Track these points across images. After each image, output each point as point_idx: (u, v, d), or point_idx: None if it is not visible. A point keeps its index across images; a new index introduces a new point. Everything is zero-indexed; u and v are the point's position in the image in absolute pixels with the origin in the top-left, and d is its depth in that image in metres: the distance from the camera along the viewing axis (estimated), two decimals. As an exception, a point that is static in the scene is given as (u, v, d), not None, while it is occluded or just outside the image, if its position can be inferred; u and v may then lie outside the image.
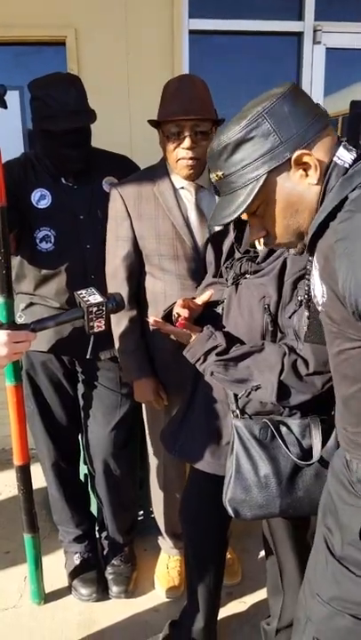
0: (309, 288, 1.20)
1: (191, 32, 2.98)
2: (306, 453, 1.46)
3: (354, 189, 1.01)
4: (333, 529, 1.23)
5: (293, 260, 1.43)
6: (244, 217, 1.17)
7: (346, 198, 1.01)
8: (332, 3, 3.13)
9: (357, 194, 1.00)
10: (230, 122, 1.11)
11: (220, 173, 1.14)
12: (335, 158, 1.06)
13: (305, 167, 1.06)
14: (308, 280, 1.19)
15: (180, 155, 1.81)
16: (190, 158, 1.81)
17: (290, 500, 1.47)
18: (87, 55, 2.86)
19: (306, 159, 1.05)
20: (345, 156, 1.07)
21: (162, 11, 2.86)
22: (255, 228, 1.18)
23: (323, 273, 1.05)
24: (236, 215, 1.12)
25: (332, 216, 1.03)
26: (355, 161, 1.06)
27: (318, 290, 1.09)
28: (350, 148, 1.09)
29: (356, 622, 1.15)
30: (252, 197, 1.09)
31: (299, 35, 3.15)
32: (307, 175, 1.07)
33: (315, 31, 3.11)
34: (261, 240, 1.22)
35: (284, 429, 1.48)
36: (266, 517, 1.59)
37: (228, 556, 2.34)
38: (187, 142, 1.78)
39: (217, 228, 1.72)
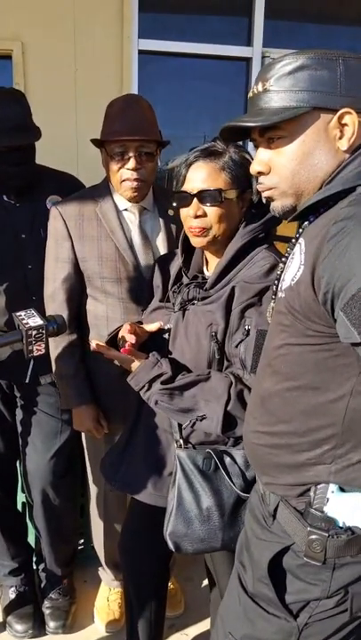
0: (281, 273, 1.15)
1: (141, 52, 2.98)
2: (249, 485, 1.43)
3: None
4: (247, 565, 1.23)
5: (242, 289, 1.41)
6: (262, 147, 1.10)
7: (353, 189, 1.00)
8: (280, 30, 3.20)
9: None
10: (305, 49, 1.06)
11: (267, 85, 1.06)
12: None
13: (342, 130, 1.03)
14: (284, 263, 1.14)
15: (125, 176, 1.77)
16: (135, 179, 1.76)
17: (232, 534, 1.44)
18: (34, 70, 2.80)
19: (349, 120, 1.02)
20: None
21: (111, 29, 2.86)
22: (261, 161, 1.11)
23: (308, 252, 1.01)
24: (265, 123, 1.05)
25: (334, 199, 1.02)
26: None
27: (291, 273, 1.05)
28: None
29: None
30: (289, 117, 1.03)
31: (248, 60, 3.19)
32: (340, 138, 1.04)
33: (263, 57, 3.17)
34: (260, 179, 1.14)
35: (228, 460, 1.45)
36: (207, 551, 1.55)
37: (171, 585, 2.29)
38: (131, 163, 1.74)
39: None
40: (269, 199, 1.15)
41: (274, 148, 1.09)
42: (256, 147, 1.14)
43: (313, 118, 1.04)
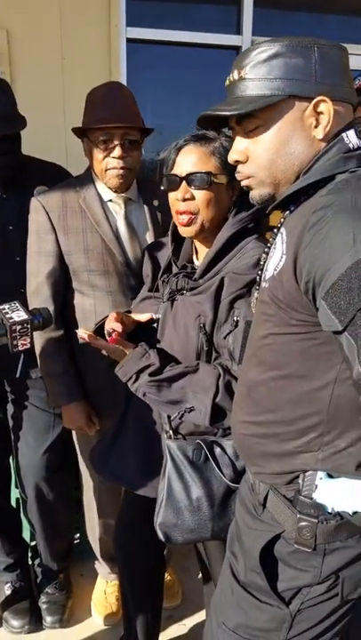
0: (264, 263, 1.14)
1: (129, 40, 2.95)
2: (239, 475, 1.42)
3: (344, 172, 1.00)
4: (238, 555, 1.23)
5: (231, 280, 1.39)
6: (239, 136, 1.10)
7: (333, 177, 1.00)
8: (270, 18, 3.18)
9: (346, 176, 0.99)
10: (281, 37, 1.05)
11: (242, 73, 1.05)
12: (344, 134, 1.04)
13: (318, 118, 1.03)
14: (267, 254, 1.14)
15: (110, 164, 1.74)
16: (121, 168, 1.73)
17: (222, 524, 1.43)
18: (20, 58, 2.76)
19: (324, 108, 1.02)
20: (353, 138, 1.04)
21: (98, 18, 2.82)
22: (238, 150, 1.11)
23: (289, 242, 1.00)
24: (236, 112, 1.04)
25: (313, 187, 1.01)
26: (358, 148, 1.04)
27: (273, 263, 1.05)
28: (359, 136, 1.06)
29: None
30: (262, 105, 1.02)
31: (237, 49, 3.16)
32: (315, 127, 1.03)
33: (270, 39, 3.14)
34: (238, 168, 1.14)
35: (217, 450, 1.44)
36: (197, 541, 1.55)
37: (168, 577, 2.29)
38: (117, 151, 1.71)
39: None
40: (248, 188, 1.14)
41: (251, 136, 1.08)
42: (233, 135, 1.14)
43: (288, 106, 1.03)
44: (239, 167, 1.13)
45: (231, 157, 1.13)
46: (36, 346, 1.89)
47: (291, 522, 1.10)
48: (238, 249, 1.44)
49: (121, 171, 1.74)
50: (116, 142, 1.71)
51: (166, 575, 2.25)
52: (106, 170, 1.75)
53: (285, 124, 1.04)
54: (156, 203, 1.89)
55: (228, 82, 1.10)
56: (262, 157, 1.08)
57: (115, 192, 1.82)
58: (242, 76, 1.06)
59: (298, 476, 1.10)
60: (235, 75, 1.07)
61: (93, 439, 1.96)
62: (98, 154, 1.74)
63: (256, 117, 1.05)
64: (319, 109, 1.02)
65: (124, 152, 1.72)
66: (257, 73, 1.04)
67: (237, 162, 1.12)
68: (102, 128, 1.69)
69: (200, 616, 2.21)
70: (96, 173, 1.81)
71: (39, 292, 1.84)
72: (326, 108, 1.01)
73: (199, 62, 3.18)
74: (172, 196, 1.45)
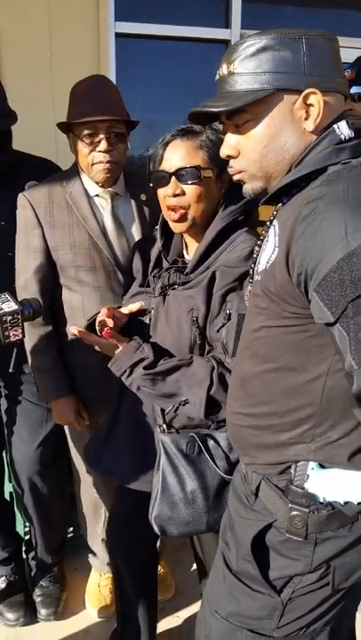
0: (257, 256, 1.15)
1: (118, 35, 2.94)
2: (233, 467, 1.43)
3: (336, 163, 1.00)
4: (231, 544, 1.25)
5: (223, 273, 1.40)
6: (230, 131, 1.10)
7: (325, 169, 1.00)
8: (258, 12, 3.18)
9: (338, 168, 0.99)
10: (269, 30, 1.04)
11: (231, 67, 1.05)
12: (335, 126, 1.04)
13: (308, 110, 1.02)
14: (259, 246, 1.15)
15: (97, 159, 1.73)
16: (107, 162, 1.73)
17: (217, 516, 1.45)
18: (9, 54, 2.75)
19: (313, 100, 1.01)
20: (344, 129, 1.05)
21: (87, 12, 2.81)
22: (230, 145, 1.11)
23: (281, 234, 1.01)
24: (224, 109, 1.05)
25: (305, 180, 1.02)
26: (350, 139, 1.05)
27: (266, 256, 1.06)
28: (350, 127, 1.07)
29: (254, 637, 1.17)
30: (250, 101, 1.02)
31: (226, 42, 3.16)
32: (306, 119, 1.03)
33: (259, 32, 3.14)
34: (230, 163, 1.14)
35: (211, 443, 1.46)
36: (193, 534, 1.57)
37: (161, 569, 2.31)
38: (103, 145, 1.70)
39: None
40: (240, 182, 1.15)
41: (241, 131, 1.08)
42: (225, 130, 1.14)
43: (277, 100, 1.03)
44: (231, 162, 1.13)
45: (223, 152, 1.14)
46: (25, 342, 1.89)
47: (283, 511, 1.11)
48: (229, 242, 1.45)
49: (107, 165, 1.73)
50: (102, 136, 1.70)
51: (159, 568, 2.27)
52: (92, 164, 1.74)
53: (275, 117, 1.04)
54: (143, 197, 1.89)
55: (217, 76, 1.10)
56: (253, 152, 1.08)
57: (101, 187, 1.82)
58: (231, 71, 1.05)
59: (290, 467, 1.11)
60: (224, 69, 1.07)
61: (86, 434, 1.99)
62: (83, 148, 1.73)
63: (246, 112, 1.05)
64: (309, 101, 1.02)
65: (110, 146, 1.71)
66: (246, 67, 1.03)
67: (229, 156, 1.13)
68: (87, 122, 1.68)
69: (194, 608, 2.24)
70: (82, 168, 1.81)
71: (27, 288, 1.84)
72: (316, 99, 1.01)
73: (188, 56, 3.18)
74: (161, 191, 1.45)
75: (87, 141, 1.71)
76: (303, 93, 1.01)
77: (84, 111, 1.69)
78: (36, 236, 1.82)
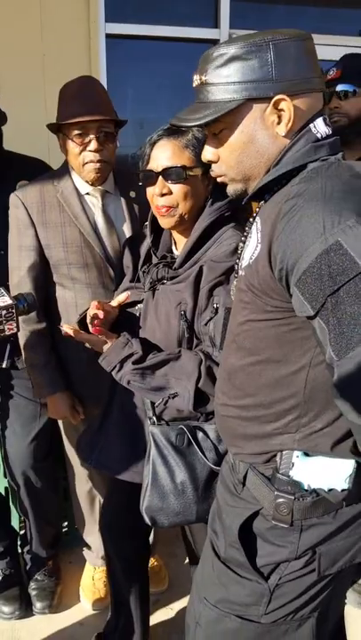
0: (241, 252, 1.18)
1: (108, 36, 2.96)
2: (222, 458, 1.46)
3: (315, 160, 1.03)
4: (219, 532, 1.27)
5: (210, 268, 1.43)
6: (210, 137, 1.14)
7: (304, 166, 1.03)
8: (247, 11, 3.20)
9: (317, 165, 1.02)
10: (240, 36, 1.07)
11: (203, 78, 1.07)
12: (311, 125, 1.06)
13: (280, 115, 1.05)
14: (243, 242, 1.18)
15: (87, 158, 1.76)
16: (98, 161, 1.76)
17: (206, 506, 1.47)
18: (1, 55, 2.77)
19: (283, 106, 1.04)
20: (321, 127, 1.07)
21: (77, 13, 2.83)
22: (210, 151, 1.15)
23: (263, 230, 1.04)
24: (197, 123, 1.08)
25: (286, 177, 1.04)
26: (328, 137, 1.07)
27: (249, 252, 1.09)
28: (329, 123, 1.09)
29: (242, 623, 1.19)
30: (219, 114, 1.05)
31: (215, 42, 3.19)
32: (278, 123, 1.06)
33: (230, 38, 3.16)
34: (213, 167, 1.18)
35: (200, 435, 1.49)
36: (183, 524, 1.59)
37: (155, 562, 2.33)
38: (93, 144, 1.73)
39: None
40: (223, 184, 1.19)
41: (218, 138, 1.12)
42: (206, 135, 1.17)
43: (248, 108, 1.06)
44: (212, 166, 1.18)
45: (204, 157, 1.18)
46: (20, 338, 1.92)
47: (269, 499, 1.14)
48: (216, 237, 1.48)
49: (98, 164, 1.76)
50: (92, 136, 1.73)
51: (153, 561, 2.31)
52: (83, 164, 1.77)
53: (247, 125, 1.07)
54: (132, 194, 1.92)
55: (193, 83, 1.13)
56: (230, 158, 1.12)
57: (91, 185, 1.84)
58: (203, 81, 1.08)
59: (275, 455, 1.14)
60: (197, 79, 1.10)
61: (79, 428, 2.02)
62: (74, 148, 1.76)
63: (219, 122, 1.08)
64: (280, 107, 1.04)
65: (100, 145, 1.74)
66: (216, 77, 1.06)
67: (210, 161, 1.17)
68: (78, 122, 1.71)
69: (187, 600, 2.24)
70: (73, 168, 1.83)
71: (21, 286, 1.86)
72: (286, 106, 1.03)
73: (178, 56, 3.21)
74: (149, 190, 1.48)
75: (78, 141, 1.74)
76: (273, 100, 1.04)
77: (74, 112, 1.71)
78: (29, 235, 1.84)
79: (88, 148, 1.74)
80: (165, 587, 2.34)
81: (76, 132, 1.72)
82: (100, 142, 1.74)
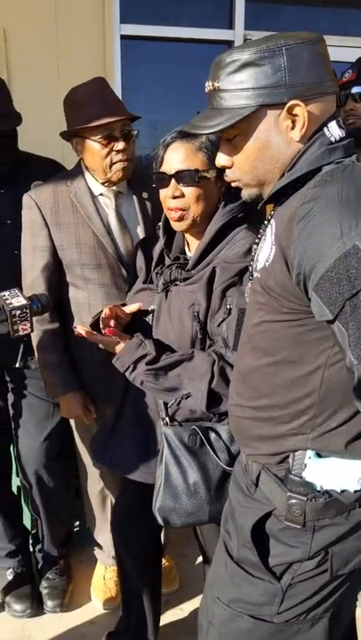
0: (255, 254, 1.18)
1: (123, 37, 2.98)
2: (234, 459, 1.46)
3: (330, 163, 1.03)
4: (232, 532, 1.28)
5: (223, 269, 1.43)
6: (223, 142, 1.14)
7: (319, 169, 1.03)
8: (262, 12, 3.20)
9: (332, 168, 1.02)
10: (252, 41, 1.06)
11: (216, 85, 1.07)
12: (325, 128, 1.06)
13: (294, 119, 1.05)
14: (257, 244, 1.18)
15: (116, 158, 1.76)
16: (126, 160, 1.76)
17: (219, 507, 1.47)
18: (16, 57, 2.79)
19: (298, 111, 1.03)
20: (335, 130, 1.07)
21: (92, 15, 2.84)
22: (223, 156, 1.15)
23: (279, 233, 1.04)
24: (212, 130, 1.08)
25: (301, 180, 1.04)
26: (342, 139, 1.07)
27: (264, 254, 1.09)
28: (342, 126, 1.09)
29: (255, 622, 1.19)
30: (233, 121, 1.05)
31: (230, 43, 3.19)
32: (292, 128, 1.05)
33: (245, 40, 3.16)
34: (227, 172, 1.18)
35: (213, 436, 1.49)
36: (195, 525, 1.60)
37: (166, 563, 2.33)
38: (121, 144, 1.74)
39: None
40: (237, 188, 1.19)
41: (232, 144, 1.12)
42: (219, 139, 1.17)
43: (262, 115, 1.06)
44: (226, 171, 1.18)
45: (218, 162, 1.18)
46: (33, 338, 1.93)
47: (281, 500, 1.14)
48: (229, 239, 1.48)
49: (126, 163, 1.77)
50: (117, 135, 1.74)
51: (164, 561, 2.30)
52: (111, 165, 1.77)
53: (262, 131, 1.07)
54: (145, 195, 1.92)
55: (206, 89, 1.12)
56: (244, 164, 1.12)
57: (112, 185, 1.85)
58: (216, 87, 1.08)
59: (288, 456, 1.14)
60: (210, 84, 1.10)
61: (92, 427, 2.02)
62: (101, 150, 1.75)
63: (234, 128, 1.08)
64: (294, 112, 1.04)
65: (126, 144, 1.75)
66: (229, 83, 1.05)
67: (224, 166, 1.17)
68: (103, 124, 1.71)
69: (198, 601, 2.23)
70: (94, 169, 1.83)
71: (34, 287, 1.87)
72: (300, 111, 1.03)
73: (192, 57, 3.21)
74: (162, 192, 1.49)
75: (104, 143, 1.74)
76: (287, 106, 1.04)
77: (97, 114, 1.71)
78: (42, 236, 1.85)
79: (115, 148, 1.75)
80: (176, 587, 2.34)
81: (103, 133, 1.73)
82: (126, 141, 1.75)
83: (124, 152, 1.76)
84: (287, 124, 1.05)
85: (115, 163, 1.77)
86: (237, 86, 1.05)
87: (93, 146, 1.76)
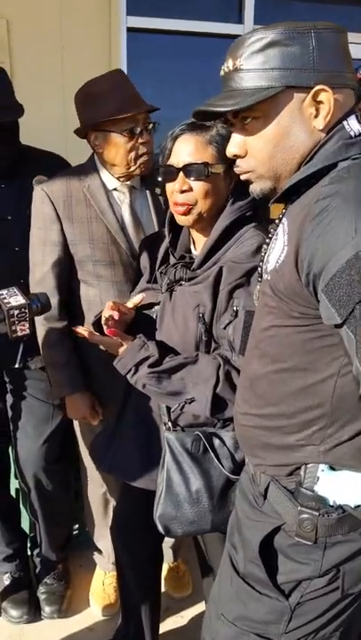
0: (265, 255, 1.12)
1: (129, 30, 2.93)
2: (238, 467, 1.41)
3: (346, 159, 0.98)
4: (238, 546, 1.23)
5: (230, 269, 1.38)
6: (237, 129, 1.07)
7: (335, 165, 0.98)
8: (271, 7, 3.16)
9: (348, 164, 0.97)
10: (277, 23, 0.99)
11: (237, 63, 1.00)
12: (345, 122, 1.01)
13: (318, 107, 0.99)
14: (267, 245, 1.12)
15: (141, 151, 1.72)
16: (148, 153, 1.73)
17: (222, 516, 1.43)
18: (20, 48, 2.75)
19: (323, 98, 0.98)
20: (354, 124, 1.01)
21: (98, 7, 2.81)
22: (237, 144, 1.07)
23: (291, 232, 0.98)
24: (232, 108, 1.00)
25: (316, 176, 0.99)
26: (359, 135, 1.01)
27: (275, 255, 1.03)
28: None
29: None
30: (258, 100, 0.97)
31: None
32: (315, 117, 1.00)
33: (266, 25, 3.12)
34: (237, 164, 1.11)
35: (217, 442, 1.44)
36: (197, 533, 1.56)
37: (179, 567, 2.31)
38: (145, 136, 1.71)
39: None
40: (248, 181, 1.12)
41: (249, 130, 1.05)
42: (231, 127, 1.10)
43: (287, 98, 0.99)
44: (238, 161, 1.10)
45: (230, 151, 1.10)
46: (39, 336, 1.89)
47: (292, 514, 1.09)
48: (237, 237, 1.43)
49: (148, 155, 1.74)
50: (141, 128, 1.70)
51: (177, 565, 2.30)
52: (136, 157, 1.73)
53: (284, 115, 1.01)
54: (157, 190, 1.88)
55: (222, 72, 1.06)
56: (262, 151, 1.04)
57: (121, 181, 1.81)
58: (237, 67, 1.01)
59: (299, 468, 1.09)
60: (229, 65, 1.03)
61: (96, 429, 1.97)
62: (126, 144, 1.71)
63: (254, 110, 1.01)
64: (319, 98, 0.98)
65: (149, 136, 1.73)
66: (253, 63, 0.99)
67: (236, 156, 1.09)
68: (130, 117, 1.67)
69: (199, 608, 2.22)
70: (115, 163, 1.77)
71: (44, 282, 1.83)
72: (326, 97, 0.98)
73: (200, 51, 3.16)
74: (169, 186, 1.43)
75: (128, 136, 1.70)
76: (313, 90, 0.98)
77: (121, 107, 1.67)
78: (54, 230, 1.81)
79: (140, 141, 1.71)
80: (189, 592, 2.30)
81: (128, 126, 1.69)
82: (149, 133, 1.73)
83: (148, 144, 1.73)
84: (311, 111, 0.99)
85: (141, 155, 1.73)
86: (261, 66, 0.98)
87: (118, 139, 1.71)
